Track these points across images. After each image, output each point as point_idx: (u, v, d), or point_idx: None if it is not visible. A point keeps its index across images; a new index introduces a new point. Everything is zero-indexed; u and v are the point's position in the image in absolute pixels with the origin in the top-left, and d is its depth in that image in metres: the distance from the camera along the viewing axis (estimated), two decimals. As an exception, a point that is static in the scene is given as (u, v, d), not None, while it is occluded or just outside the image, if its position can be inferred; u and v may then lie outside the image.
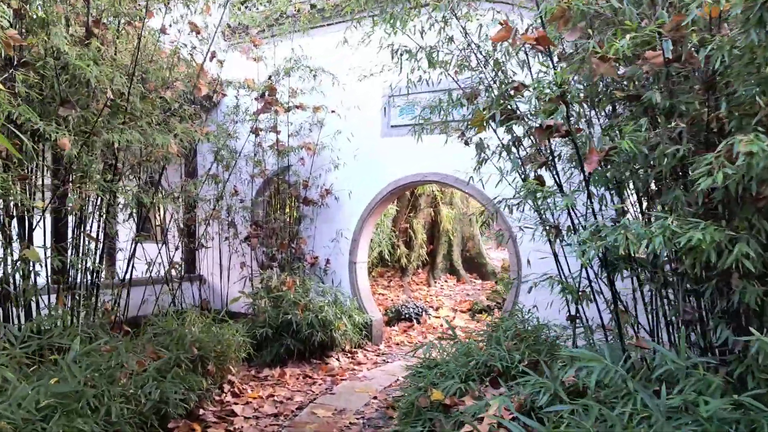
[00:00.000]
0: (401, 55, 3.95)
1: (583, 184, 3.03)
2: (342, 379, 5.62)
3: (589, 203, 3.06)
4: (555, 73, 2.80)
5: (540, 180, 4.29)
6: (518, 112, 3.82)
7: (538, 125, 2.88)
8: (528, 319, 4.54)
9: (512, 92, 3.45)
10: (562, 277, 3.83)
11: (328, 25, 7.20)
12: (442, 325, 7.99)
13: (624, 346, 3.11)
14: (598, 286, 3.56)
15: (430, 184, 9.44)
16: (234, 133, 6.79)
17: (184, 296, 6.94)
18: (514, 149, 4.15)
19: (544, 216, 3.71)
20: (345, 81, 6.88)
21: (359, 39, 6.12)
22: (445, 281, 10.18)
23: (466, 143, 4.16)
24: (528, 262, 4.61)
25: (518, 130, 4.05)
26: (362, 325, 6.66)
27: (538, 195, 2.90)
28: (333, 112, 6.84)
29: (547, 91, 2.88)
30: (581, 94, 2.96)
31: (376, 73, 5.67)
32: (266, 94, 6.61)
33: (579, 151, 2.93)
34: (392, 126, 6.84)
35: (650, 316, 3.43)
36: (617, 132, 3.06)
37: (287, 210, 7.41)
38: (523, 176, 4.39)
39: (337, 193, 7.14)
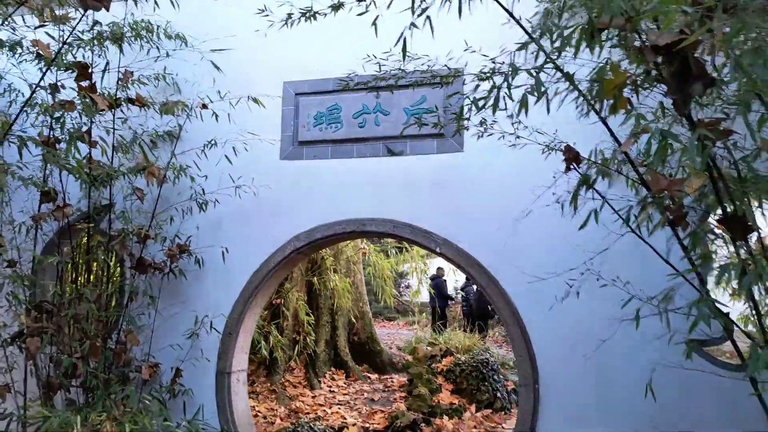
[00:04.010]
0: None
1: None
2: None
3: None
4: None
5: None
6: None
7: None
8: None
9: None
10: None
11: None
12: (355, 460, 5.17)
13: None
14: None
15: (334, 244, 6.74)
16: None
17: None
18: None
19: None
20: (219, 63, 4.14)
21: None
22: (332, 379, 7.33)
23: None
24: (649, 390, 2.27)
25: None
26: (247, 493, 3.63)
27: None
28: (204, 107, 3.97)
29: None
30: None
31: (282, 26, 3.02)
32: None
33: None
34: (301, 142, 4.17)
35: None
36: None
37: (104, 281, 4.18)
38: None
39: (201, 252, 4.16)
